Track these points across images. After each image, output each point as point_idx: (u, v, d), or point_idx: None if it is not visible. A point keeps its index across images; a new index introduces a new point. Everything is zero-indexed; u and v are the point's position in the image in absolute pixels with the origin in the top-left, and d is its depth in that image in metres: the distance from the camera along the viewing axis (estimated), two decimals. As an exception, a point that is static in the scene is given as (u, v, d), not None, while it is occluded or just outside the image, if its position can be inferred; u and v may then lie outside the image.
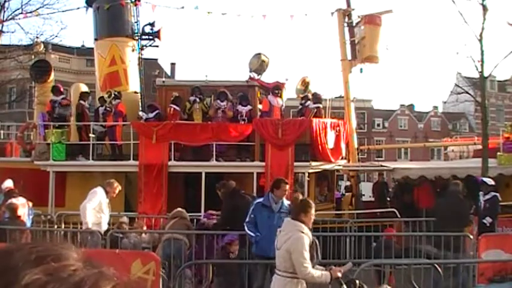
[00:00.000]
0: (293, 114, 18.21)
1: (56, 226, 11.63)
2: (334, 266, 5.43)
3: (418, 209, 14.73)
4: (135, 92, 16.55)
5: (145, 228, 11.26)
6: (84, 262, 0.73)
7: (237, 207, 8.78)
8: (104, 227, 8.62)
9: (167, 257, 8.05)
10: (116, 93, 14.77)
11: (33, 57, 18.85)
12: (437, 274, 7.01)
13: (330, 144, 14.07)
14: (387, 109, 62.32)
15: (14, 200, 9.14)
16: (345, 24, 17.17)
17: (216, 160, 13.43)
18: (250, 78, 15.13)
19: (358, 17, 17.07)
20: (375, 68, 17.63)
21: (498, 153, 15.16)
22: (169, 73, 47.23)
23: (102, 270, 0.72)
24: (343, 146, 15.08)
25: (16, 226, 8.52)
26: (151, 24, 17.09)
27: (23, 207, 9.32)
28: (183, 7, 17.76)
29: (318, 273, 5.12)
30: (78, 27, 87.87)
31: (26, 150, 15.62)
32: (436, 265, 7.15)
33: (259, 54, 15.34)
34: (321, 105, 14.83)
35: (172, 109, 14.04)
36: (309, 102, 14.87)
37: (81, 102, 14.60)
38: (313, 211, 5.45)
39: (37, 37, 18.62)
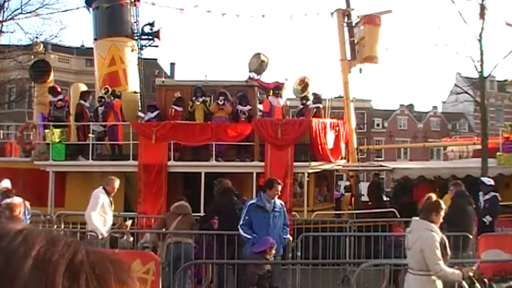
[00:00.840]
0: (293, 115, 18.21)
1: (55, 226, 11.61)
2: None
3: (418, 209, 14.73)
4: (135, 92, 16.56)
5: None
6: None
7: (220, 206, 8.80)
8: (106, 226, 8.60)
9: (175, 259, 7.94)
10: (118, 92, 14.80)
11: (32, 57, 18.84)
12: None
13: (330, 144, 14.07)
14: (387, 109, 62.36)
15: (9, 200, 9.14)
16: (345, 24, 17.17)
17: (216, 160, 13.43)
18: (250, 78, 15.14)
19: (358, 17, 17.07)
20: (374, 68, 17.65)
21: (498, 153, 15.16)
22: (169, 73, 47.23)
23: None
24: (342, 146, 15.08)
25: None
26: (151, 24, 17.09)
27: (19, 206, 9.32)
28: (182, 9, 17.77)
29: (450, 270, 5.29)
30: (77, 27, 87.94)
31: (26, 150, 15.61)
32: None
33: (259, 54, 15.34)
34: (320, 105, 14.84)
35: (173, 110, 14.06)
36: (309, 102, 14.88)
37: (81, 102, 14.59)
38: (442, 212, 5.60)
39: (37, 37, 18.60)
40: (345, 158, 15.81)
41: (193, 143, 13.57)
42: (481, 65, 14.19)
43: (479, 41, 13.93)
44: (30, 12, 17.39)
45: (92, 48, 17.65)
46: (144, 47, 17.32)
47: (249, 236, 7.35)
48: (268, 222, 7.33)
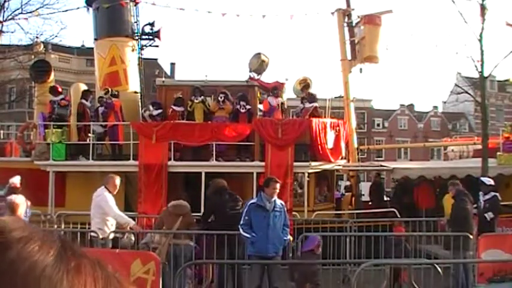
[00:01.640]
0: (293, 115, 18.22)
1: (55, 226, 11.62)
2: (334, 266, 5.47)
3: (418, 209, 14.74)
4: (135, 92, 16.56)
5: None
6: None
7: (213, 205, 8.82)
8: (112, 227, 8.60)
9: (175, 259, 7.93)
10: (115, 92, 14.80)
11: (33, 57, 18.84)
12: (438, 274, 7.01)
13: (330, 144, 14.07)
14: (387, 109, 62.34)
15: (13, 197, 9.17)
16: (345, 24, 17.18)
17: (216, 160, 13.44)
18: (250, 78, 15.15)
19: (358, 17, 17.07)
20: (374, 68, 17.68)
21: (498, 153, 15.16)
22: (169, 73, 47.24)
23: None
24: (342, 146, 15.08)
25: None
26: (151, 24, 17.10)
27: (22, 206, 9.34)
28: (183, 8, 17.78)
29: None
30: (78, 27, 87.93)
31: (26, 150, 15.62)
32: (436, 265, 7.15)
33: (259, 54, 15.34)
34: (316, 104, 14.81)
35: (171, 110, 14.08)
36: (306, 102, 14.89)
37: (83, 101, 14.60)
38: None
39: (37, 37, 18.62)
40: (345, 158, 15.81)
41: (194, 143, 13.57)
42: (482, 65, 14.19)
43: (480, 41, 13.93)
44: (30, 12, 17.41)
45: (92, 48, 17.65)
46: (144, 47, 17.33)
47: (248, 236, 7.37)
48: (268, 222, 7.34)
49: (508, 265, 7.93)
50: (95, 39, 16.76)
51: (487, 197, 10.41)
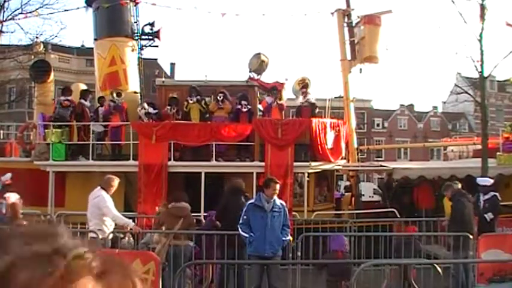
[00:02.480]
0: (292, 115, 18.22)
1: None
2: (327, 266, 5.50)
3: (418, 209, 14.74)
4: (135, 92, 16.55)
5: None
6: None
7: (226, 204, 8.80)
8: (111, 228, 8.59)
9: (175, 259, 7.94)
10: (121, 92, 14.86)
11: (33, 57, 18.82)
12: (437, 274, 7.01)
13: (330, 144, 14.08)
14: (387, 109, 62.34)
15: (10, 195, 9.28)
16: (345, 24, 17.17)
17: (216, 160, 13.43)
18: (250, 78, 15.15)
19: (358, 17, 17.07)
20: (374, 68, 17.66)
21: (498, 153, 15.16)
22: (169, 73, 47.24)
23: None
24: (342, 146, 15.08)
25: (16, 226, 8.52)
26: (151, 24, 17.09)
27: (16, 205, 9.46)
28: (181, 8, 17.80)
29: None
30: (78, 27, 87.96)
31: (26, 150, 15.62)
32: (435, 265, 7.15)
33: (259, 54, 15.34)
34: (310, 98, 14.84)
35: (165, 110, 14.08)
36: (301, 101, 14.88)
37: (82, 101, 14.59)
38: None
39: (37, 37, 18.58)
40: (345, 158, 15.81)
41: (194, 143, 13.57)
42: (481, 65, 14.19)
43: (480, 41, 13.93)
44: (30, 12, 17.39)
45: (92, 48, 17.64)
46: (144, 47, 17.32)
47: (246, 235, 7.39)
48: (266, 222, 7.34)
49: (508, 265, 7.92)
50: (95, 39, 16.75)
51: (487, 196, 10.41)
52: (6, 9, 17.41)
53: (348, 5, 17.32)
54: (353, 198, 16.21)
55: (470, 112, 54.65)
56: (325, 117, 15.27)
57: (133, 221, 11.60)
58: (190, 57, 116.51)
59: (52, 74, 16.85)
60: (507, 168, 14.27)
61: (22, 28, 18.11)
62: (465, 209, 9.16)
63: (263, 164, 13.35)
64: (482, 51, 13.99)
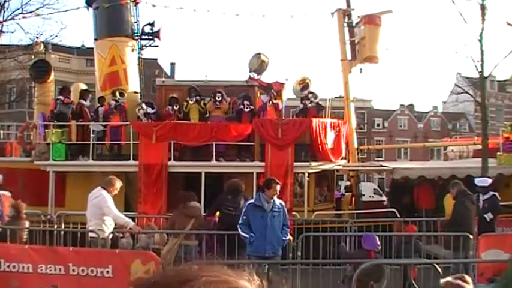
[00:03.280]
0: (293, 115, 18.22)
1: (55, 226, 11.61)
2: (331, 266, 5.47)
3: (418, 209, 14.74)
4: (135, 92, 16.55)
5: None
6: None
7: (220, 203, 8.85)
8: (111, 228, 8.60)
9: (180, 258, 7.95)
10: (123, 92, 14.89)
11: (33, 57, 18.83)
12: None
13: (330, 144, 14.07)
14: (387, 109, 62.34)
15: (2, 193, 9.39)
16: (345, 24, 17.18)
17: (216, 160, 13.44)
18: (250, 78, 15.15)
19: (358, 17, 17.08)
20: (374, 68, 17.69)
21: (498, 153, 15.16)
22: (169, 73, 47.24)
23: None
24: (343, 146, 15.08)
25: (20, 225, 8.54)
26: (151, 24, 17.10)
27: (7, 201, 9.51)
28: (182, 8, 17.81)
29: None
30: (78, 27, 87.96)
31: (26, 150, 15.62)
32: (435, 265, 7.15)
33: (259, 54, 15.35)
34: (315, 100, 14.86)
35: (166, 110, 14.09)
36: (309, 100, 14.84)
37: (81, 101, 14.59)
38: None
39: (37, 37, 18.62)
40: (345, 158, 15.82)
41: (194, 143, 13.58)
42: (482, 65, 14.19)
43: (480, 41, 13.93)
44: (30, 12, 17.41)
45: (92, 48, 17.64)
46: (144, 47, 17.34)
47: (246, 235, 7.39)
48: (266, 222, 7.34)
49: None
50: (95, 39, 16.75)
51: (486, 196, 10.41)
52: (6, 9, 17.44)
53: (348, 5, 17.33)
54: (353, 198, 16.21)
55: (471, 112, 54.63)
56: (325, 117, 15.28)
57: (134, 221, 11.63)
58: (190, 57, 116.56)
59: (52, 74, 16.85)
60: (507, 168, 14.27)
61: (22, 28, 18.15)
62: (465, 211, 9.16)
63: (263, 164, 13.35)
64: (482, 51, 14.00)
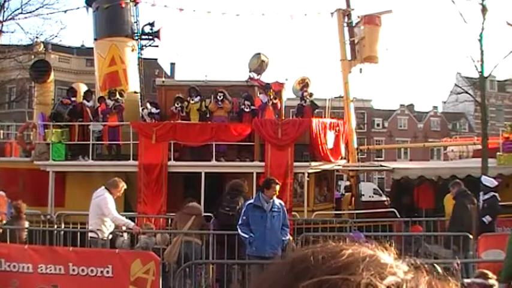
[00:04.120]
0: (292, 115, 18.23)
1: (55, 226, 11.62)
2: None
3: (418, 208, 14.74)
4: (135, 92, 16.56)
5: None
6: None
7: (220, 204, 8.89)
8: (110, 228, 8.59)
9: (185, 258, 7.95)
10: (122, 92, 14.87)
11: (33, 57, 18.82)
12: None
13: (330, 144, 14.07)
14: (387, 109, 62.31)
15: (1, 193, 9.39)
16: (345, 25, 17.17)
17: (216, 160, 13.43)
18: (250, 78, 15.15)
19: (358, 17, 17.07)
20: (374, 68, 17.67)
21: (498, 153, 15.16)
22: (169, 73, 47.22)
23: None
24: (342, 146, 15.08)
25: (20, 225, 8.55)
26: (151, 24, 17.10)
27: (1, 200, 9.52)
28: (182, 9, 17.81)
29: None
30: (78, 27, 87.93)
31: (26, 150, 15.61)
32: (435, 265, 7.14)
33: (259, 54, 15.34)
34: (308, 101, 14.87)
35: (171, 110, 14.10)
36: (304, 100, 14.87)
37: (84, 101, 14.61)
38: None
39: (37, 37, 18.58)
40: (345, 158, 15.81)
41: (193, 143, 13.57)
42: (481, 65, 14.20)
43: (480, 41, 13.94)
44: (30, 12, 17.39)
45: (92, 48, 17.64)
46: (144, 47, 17.33)
47: (246, 236, 7.38)
48: (266, 222, 7.33)
49: (508, 265, 7.90)
50: (95, 39, 16.76)
51: (486, 196, 10.40)
52: (6, 9, 17.42)
53: (348, 5, 17.32)
54: (353, 198, 16.22)
55: (471, 112, 54.61)
56: (325, 117, 15.28)
57: (133, 221, 11.63)
58: (190, 57, 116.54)
59: (52, 74, 16.83)
60: (507, 168, 14.27)
61: (22, 28, 18.13)
62: (465, 211, 9.16)
63: (263, 164, 13.35)
64: (482, 51, 14.01)
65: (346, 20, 17.18)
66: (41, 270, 6.92)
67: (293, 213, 12.56)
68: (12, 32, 19.26)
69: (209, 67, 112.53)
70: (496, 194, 10.47)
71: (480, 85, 15.41)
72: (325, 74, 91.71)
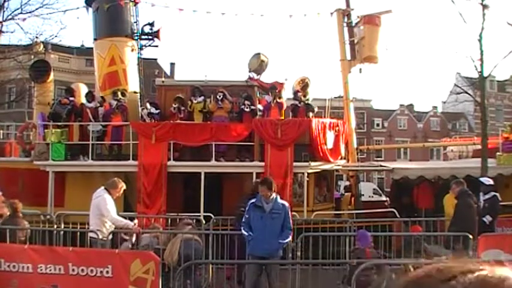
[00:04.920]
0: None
1: (55, 226, 11.61)
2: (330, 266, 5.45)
3: (417, 208, 14.75)
4: (135, 92, 16.55)
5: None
6: None
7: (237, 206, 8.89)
8: (110, 228, 8.58)
9: (186, 257, 7.95)
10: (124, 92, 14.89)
11: (32, 57, 18.80)
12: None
13: (329, 144, 14.08)
14: (387, 109, 62.36)
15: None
16: (344, 25, 17.17)
17: (216, 160, 13.43)
18: (250, 78, 15.15)
19: (358, 17, 17.07)
20: (374, 68, 17.66)
21: (497, 153, 15.18)
22: (169, 73, 47.24)
23: None
24: (342, 146, 15.08)
25: (17, 224, 8.53)
26: (151, 24, 17.10)
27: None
28: (182, 9, 17.82)
29: None
30: (77, 27, 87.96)
31: (26, 150, 15.61)
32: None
33: (259, 54, 15.35)
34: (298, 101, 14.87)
35: (171, 109, 14.09)
36: (298, 100, 14.87)
37: (84, 102, 14.60)
38: None
39: (36, 37, 18.55)
40: (344, 158, 15.82)
41: (193, 143, 13.57)
42: (481, 65, 14.22)
43: (479, 41, 13.95)
44: (30, 12, 17.37)
45: (92, 48, 17.63)
46: (144, 47, 17.32)
47: (246, 234, 7.39)
48: (265, 223, 7.31)
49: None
50: (95, 39, 16.75)
51: (487, 196, 10.42)
52: (6, 9, 17.40)
53: (348, 5, 17.32)
54: (353, 198, 16.22)
55: (470, 112, 54.64)
56: (325, 117, 15.28)
57: (133, 221, 11.61)
58: (190, 57, 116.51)
59: (52, 74, 16.83)
60: (507, 168, 14.28)
61: (22, 28, 18.01)
62: (469, 210, 9.16)
63: (263, 164, 13.35)
64: (482, 51, 14.03)
65: (345, 20, 17.18)
66: (41, 270, 6.91)
67: (293, 213, 12.51)
68: (12, 32, 19.20)
69: (209, 67, 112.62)
70: (497, 194, 10.49)
71: (480, 85, 15.41)
72: (325, 74, 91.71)
